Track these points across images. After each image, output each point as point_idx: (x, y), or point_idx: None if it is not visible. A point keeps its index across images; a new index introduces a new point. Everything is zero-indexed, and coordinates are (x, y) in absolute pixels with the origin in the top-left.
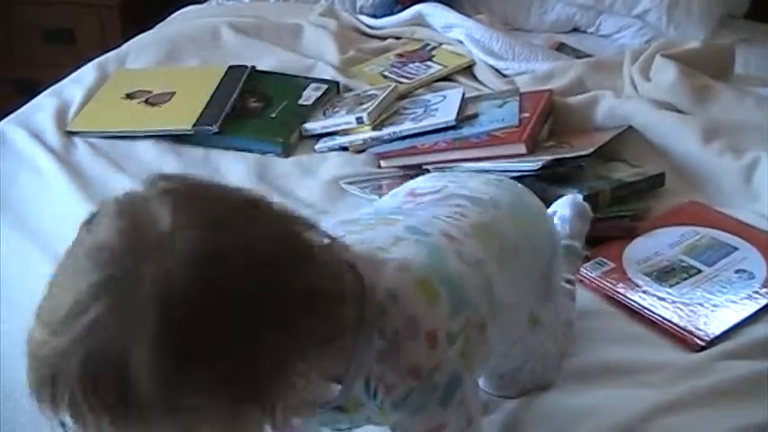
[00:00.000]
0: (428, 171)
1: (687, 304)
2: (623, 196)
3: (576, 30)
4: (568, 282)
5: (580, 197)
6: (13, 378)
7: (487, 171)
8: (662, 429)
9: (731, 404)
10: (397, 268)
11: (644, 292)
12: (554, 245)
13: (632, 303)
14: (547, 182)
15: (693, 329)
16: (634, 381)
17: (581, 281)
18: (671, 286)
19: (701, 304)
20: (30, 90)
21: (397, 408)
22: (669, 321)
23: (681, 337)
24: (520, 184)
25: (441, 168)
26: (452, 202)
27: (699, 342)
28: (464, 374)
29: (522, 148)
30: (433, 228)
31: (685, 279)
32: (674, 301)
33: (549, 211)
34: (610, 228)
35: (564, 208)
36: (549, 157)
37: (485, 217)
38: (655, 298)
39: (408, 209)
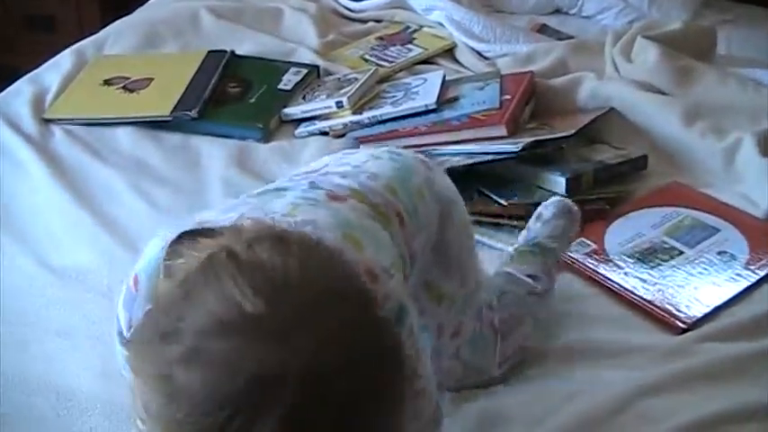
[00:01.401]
0: None
1: (669, 286)
2: (605, 178)
3: (557, 11)
4: (531, 277)
5: (568, 201)
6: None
7: (469, 153)
8: (643, 412)
9: (713, 386)
10: (318, 229)
11: (625, 273)
12: (443, 215)
13: (614, 285)
14: (530, 164)
15: (675, 312)
16: (616, 363)
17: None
18: (653, 268)
19: (682, 286)
20: (8, 77)
21: None
22: (651, 303)
23: (662, 320)
24: (410, 159)
25: (422, 152)
26: (327, 178)
27: (680, 324)
28: (408, 305)
29: (502, 131)
30: (317, 194)
31: (667, 260)
32: (655, 283)
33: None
34: (585, 211)
35: (546, 208)
36: (530, 139)
37: (354, 182)
38: (636, 279)
39: (287, 184)
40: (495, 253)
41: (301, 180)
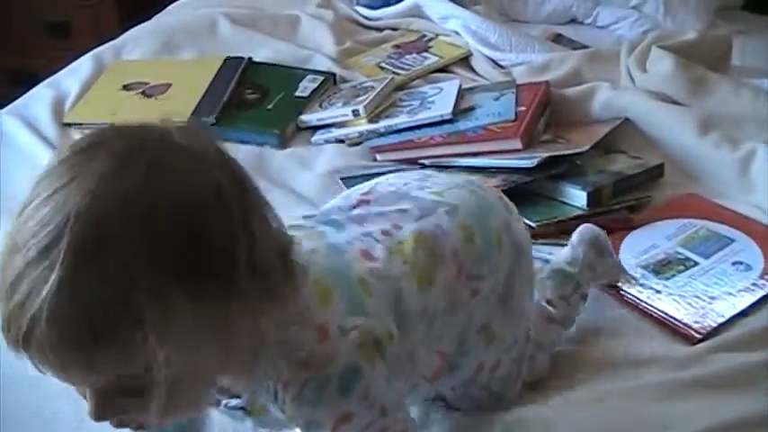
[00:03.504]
0: (424, 166)
1: (684, 297)
2: (625, 189)
3: (572, 21)
4: (549, 303)
5: (599, 230)
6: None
7: (483, 168)
8: (655, 420)
9: (726, 395)
10: (311, 262)
11: (641, 285)
12: (514, 264)
13: (629, 296)
14: (547, 177)
15: (690, 322)
16: (629, 373)
17: None
18: (668, 279)
19: (697, 297)
20: (25, 81)
21: (298, 403)
22: (666, 314)
23: (678, 330)
24: (492, 197)
25: (435, 165)
26: (397, 207)
27: (696, 335)
28: (364, 366)
29: (517, 144)
30: (353, 247)
31: (682, 271)
32: (670, 294)
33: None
34: (609, 221)
35: (577, 234)
36: (545, 154)
37: (423, 224)
38: (651, 291)
39: (345, 219)
40: None
41: (359, 220)
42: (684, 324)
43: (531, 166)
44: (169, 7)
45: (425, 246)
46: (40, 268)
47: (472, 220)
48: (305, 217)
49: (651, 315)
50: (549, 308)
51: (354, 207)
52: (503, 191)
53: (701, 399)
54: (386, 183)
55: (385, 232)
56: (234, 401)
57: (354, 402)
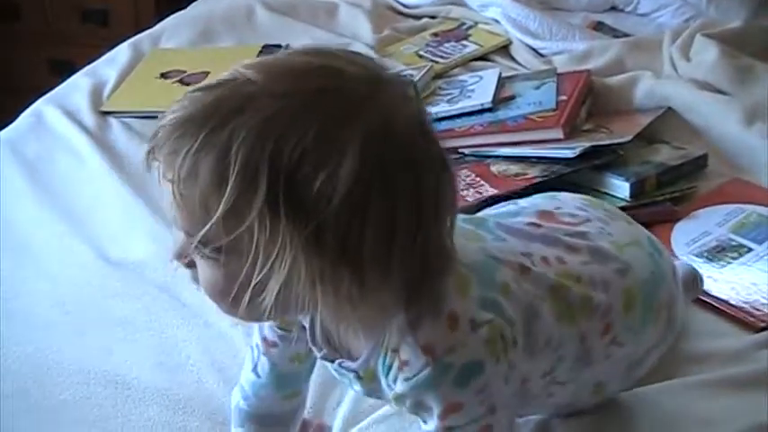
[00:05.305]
0: (464, 155)
1: (742, 284)
2: (668, 180)
3: (613, 8)
4: None
5: (696, 272)
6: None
7: (525, 157)
8: (696, 419)
9: None
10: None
11: None
12: (659, 341)
13: None
14: (589, 167)
15: (752, 309)
16: (677, 370)
17: None
18: (723, 266)
19: (755, 284)
20: (64, 70)
21: (411, 383)
22: (726, 303)
23: (740, 318)
24: (667, 265)
25: (475, 154)
26: (569, 241)
27: (759, 322)
28: (488, 362)
29: (559, 134)
30: (507, 258)
31: (737, 258)
32: (728, 282)
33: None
34: (652, 213)
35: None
36: (587, 144)
37: (587, 271)
38: (709, 279)
39: (509, 231)
40: None
41: (531, 238)
42: (746, 312)
43: (572, 156)
44: None
45: (580, 291)
46: (195, 94)
47: (639, 289)
48: (465, 219)
49: (711, 304)
50: None
51: (528, 223)
52: (543, 181)
53: (750, 396)
54: (569, 210)
55: (544, 260)
56: (348, 363)
57: (469, 395)
